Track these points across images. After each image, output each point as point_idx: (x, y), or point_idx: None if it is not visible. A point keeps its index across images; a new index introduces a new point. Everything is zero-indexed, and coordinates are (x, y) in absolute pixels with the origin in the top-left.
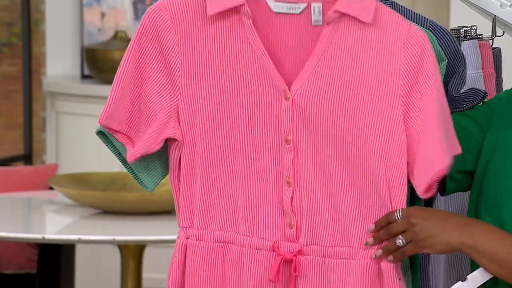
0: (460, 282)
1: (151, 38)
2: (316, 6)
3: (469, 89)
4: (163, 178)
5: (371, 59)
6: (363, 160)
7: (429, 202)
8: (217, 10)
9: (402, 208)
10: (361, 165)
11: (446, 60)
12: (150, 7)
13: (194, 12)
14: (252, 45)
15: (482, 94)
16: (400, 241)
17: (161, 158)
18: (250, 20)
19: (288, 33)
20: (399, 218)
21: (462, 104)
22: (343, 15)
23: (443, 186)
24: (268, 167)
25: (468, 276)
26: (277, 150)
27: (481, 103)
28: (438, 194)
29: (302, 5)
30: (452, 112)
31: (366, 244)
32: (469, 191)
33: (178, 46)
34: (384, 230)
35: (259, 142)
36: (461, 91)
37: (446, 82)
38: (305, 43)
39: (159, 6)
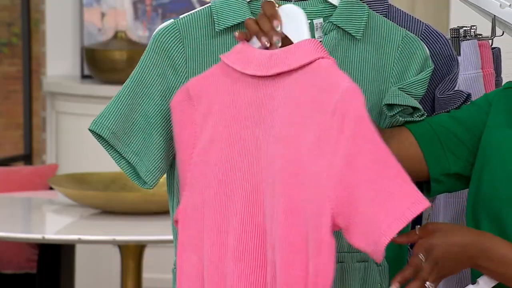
0: (471, 285)
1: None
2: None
3: (455, 91)
4: (163, 174)
5: None
6: None
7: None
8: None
9: (417, 248)
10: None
11: (432, 67)
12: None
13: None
14: None
15: (466, 95)
16: (428, 283)
17: (161, 151)
18: None
19: None
20: (423, 259)
21: (446, 106)
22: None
23: (428, 188)
24: None
25: (479, 280)
26: None
27: (466, 103)
28: (437, 196)
29: None
30: (437, 113)
31: None
32: (466, 190)
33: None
34: (417, 281)
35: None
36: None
37: (435, 86)
38: None
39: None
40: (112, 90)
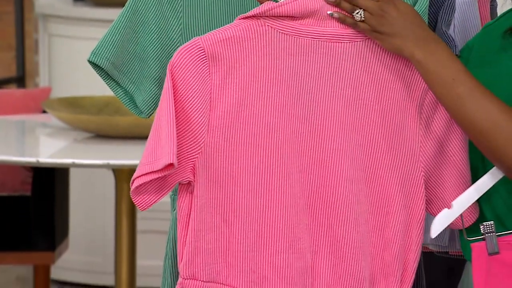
0: (446, 210)
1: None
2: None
3: (448, 39)
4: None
5: None
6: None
7: None
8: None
9: None
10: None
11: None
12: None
13: None
14: None
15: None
16: (358, 16)
17: (157, 79)
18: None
19: None
20: None
21: None
22: None
23: None
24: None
25: (453, 203)
26: None
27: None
28: None
29: None
30: None
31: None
32: None
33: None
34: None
35: None
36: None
37: (435, 12)
38: None
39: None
40: (104, 13)
